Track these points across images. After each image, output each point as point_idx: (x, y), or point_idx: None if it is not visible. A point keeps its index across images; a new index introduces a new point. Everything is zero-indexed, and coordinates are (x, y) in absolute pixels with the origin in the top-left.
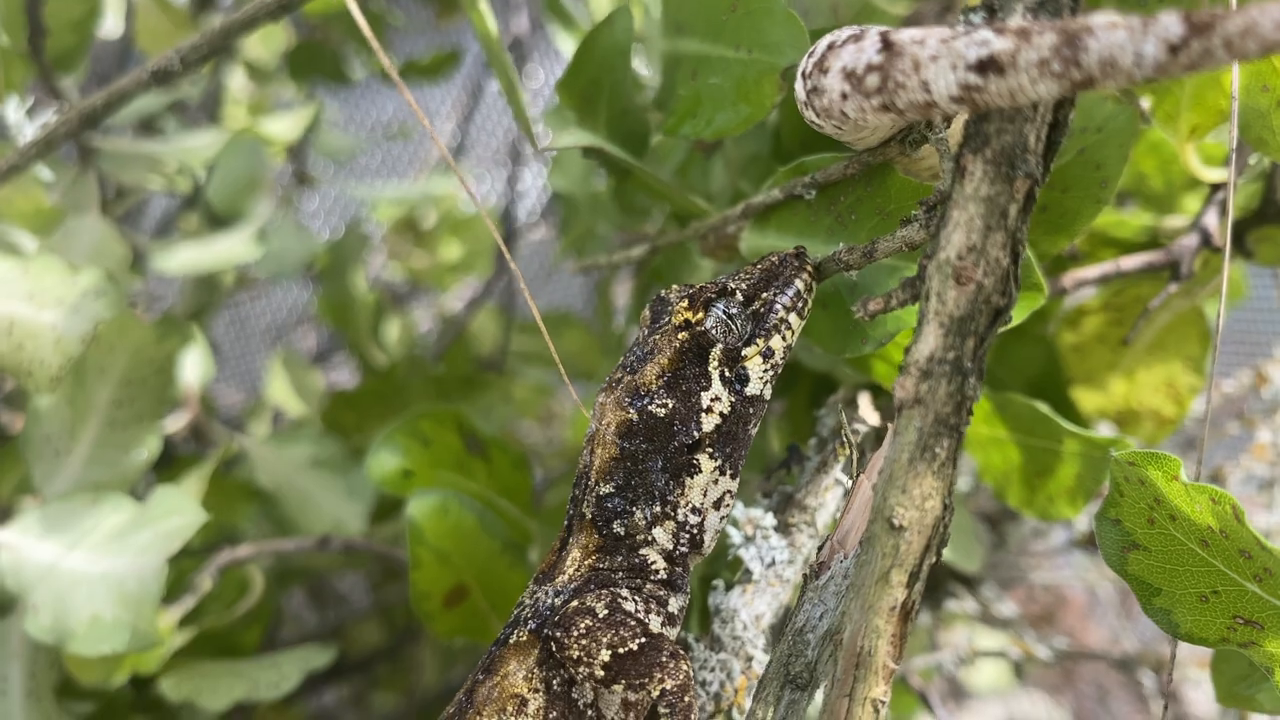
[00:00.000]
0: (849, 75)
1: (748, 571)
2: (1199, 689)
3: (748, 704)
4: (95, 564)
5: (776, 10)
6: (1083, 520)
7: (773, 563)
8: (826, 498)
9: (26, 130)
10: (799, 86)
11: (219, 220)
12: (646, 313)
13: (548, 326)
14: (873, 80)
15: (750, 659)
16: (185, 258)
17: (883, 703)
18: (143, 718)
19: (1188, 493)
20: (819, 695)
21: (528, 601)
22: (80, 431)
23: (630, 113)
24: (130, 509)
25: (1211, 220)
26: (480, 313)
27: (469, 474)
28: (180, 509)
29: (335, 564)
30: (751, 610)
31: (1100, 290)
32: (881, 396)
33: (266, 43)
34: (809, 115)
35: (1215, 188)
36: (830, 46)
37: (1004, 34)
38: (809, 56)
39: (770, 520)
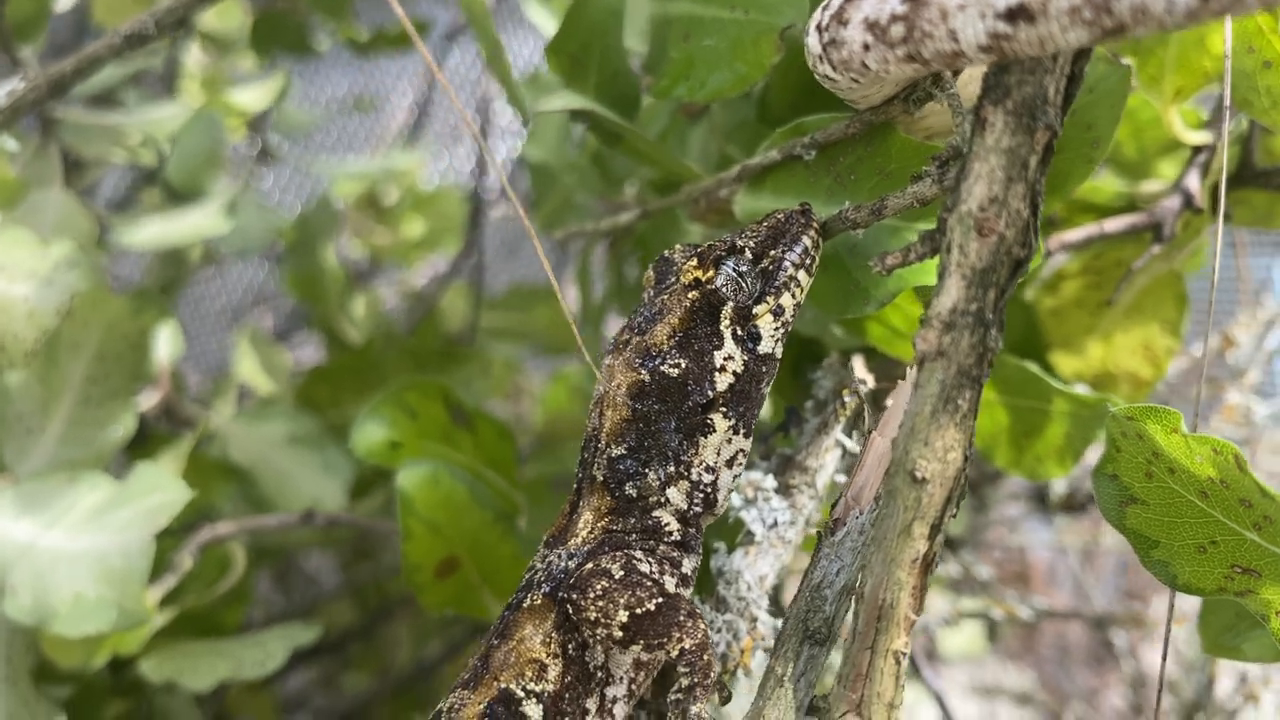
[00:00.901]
0: (872, 26)
1: (749, 533)
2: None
3: (754, 664)
4: (75, 542)
5: None
6: (1060, 484)
7: (774, 524)
8: (827, 459)
9: None
10: (813, 40)
11: (179, 195)
12: (651, 273)
13: (519, 302)
14: (898, 30)
15: (755, 619)
16: (152, 232)
17: (904, 654)
18: (122, 701)
19: (1188, 445)
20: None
21: (539, 565)
22: (53, 408)
23: (621, 75)
24: (108, 487)
25: (1193, 182)
26: (447, 290)
27: (455, 445)
28: (162, 486)
29: (307, 542)
30: (755, 571)
31: (1078, 255)
32: (875, 359)
33: (222, 16)
34: (823, 70)
35: (1196, 150)
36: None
37: None
38: (824, 9)
39: (771, 482)
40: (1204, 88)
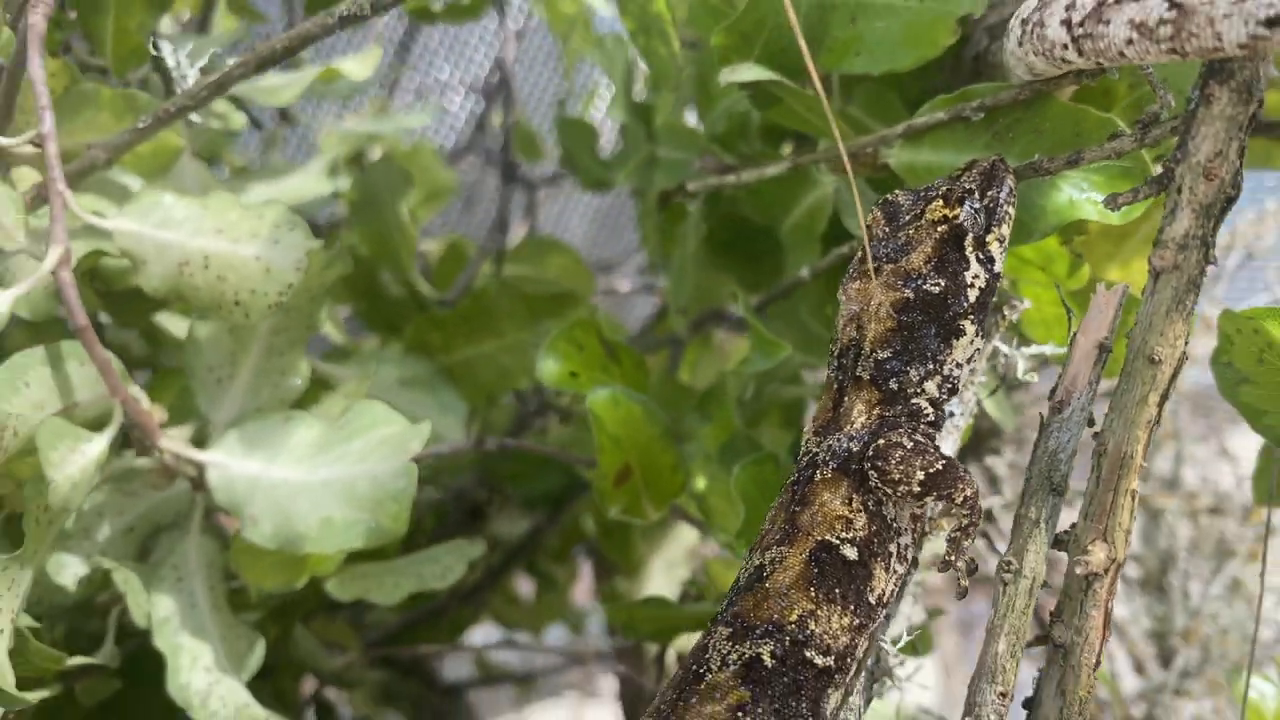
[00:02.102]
0: (1138, 26)
1: None
2: None
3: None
4: (313, 475)
5: None
6: None
7: (951, 414)
8: (983, 365)
9: (188, 72)
10: (1057, 33)
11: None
12: (879, 213)
13: (535, 252)
14: (1165, 31)
15: None
16: (262, 193)
17: (1135, 492)
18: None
19: None
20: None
21: (816, 450)
22: (242, 359)
23: (788, 50)
24: (321, 426)
25: None
26: (446, 245)
27: (611, 374)
28: (385, 420)
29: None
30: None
31: None
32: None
33: None
34: (1061, 54)
35: None
36: (1104, 3)
37: None
38: (1067, 8)
39: None
40: None
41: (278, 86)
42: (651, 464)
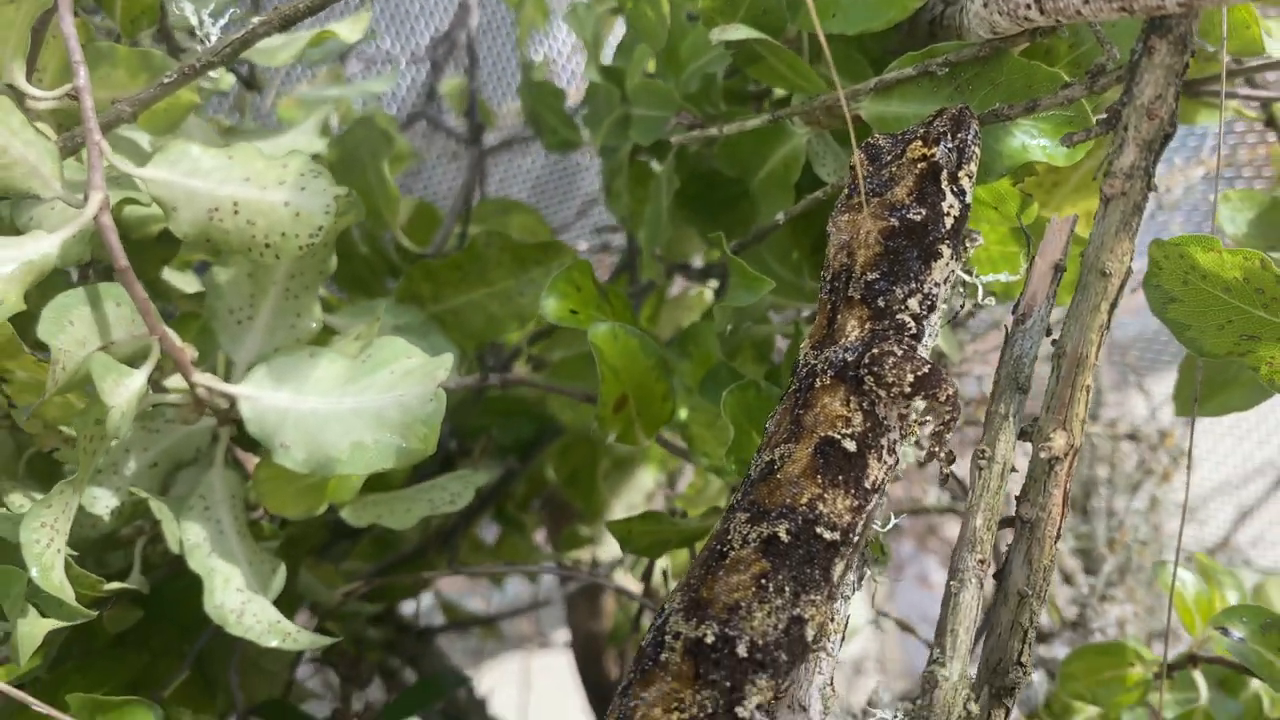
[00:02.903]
0: None
1: None
2: None
3: None
4: (342, 403)
5: None
6: None
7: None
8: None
9: (211, 30)
10: None
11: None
12: (862, 156)
13: (497, 211)
14: None
15: None
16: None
17: (1090, 387)
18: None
19: (1222, 258)
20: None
21: (814, 362)
22: (261, 301)
23: (770, 12)
24: (344, 362)
25: None
26: (412, 207)
27: (605, 312)
28: (405, 353)
29: None
30: None
31: None
32: None
33: None
34: (1025, 13)
35: None
36: None
37: None
38: None
39: None
40: None
41: (275, 47)
42: (645, 393)
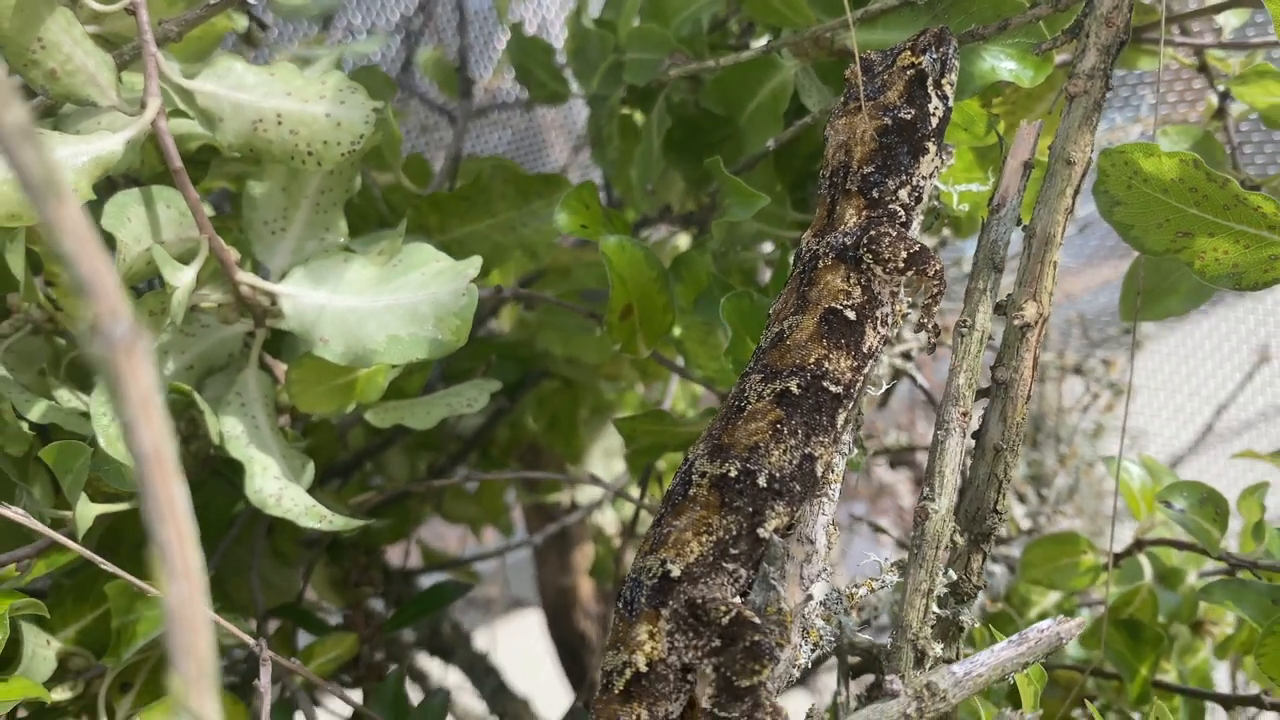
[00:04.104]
0: None
1: None
2: None
3: None
4: (377, 299)
5: None
6: None
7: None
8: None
9: None
10: None
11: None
12: (858, 69)
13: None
14: None
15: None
16: None
17: (1056, 263)
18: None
19: (1161, 161)
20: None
21: (816, 247)
22: (293, 214)
23: None
24: (376, 265)
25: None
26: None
27: (610, 228)
28: (434, 258)
29: None
30: None
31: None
32: None
33: None
34: None
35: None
36: None
37: None
38: None
39: None
40: None
41: None
42: (649, 303)
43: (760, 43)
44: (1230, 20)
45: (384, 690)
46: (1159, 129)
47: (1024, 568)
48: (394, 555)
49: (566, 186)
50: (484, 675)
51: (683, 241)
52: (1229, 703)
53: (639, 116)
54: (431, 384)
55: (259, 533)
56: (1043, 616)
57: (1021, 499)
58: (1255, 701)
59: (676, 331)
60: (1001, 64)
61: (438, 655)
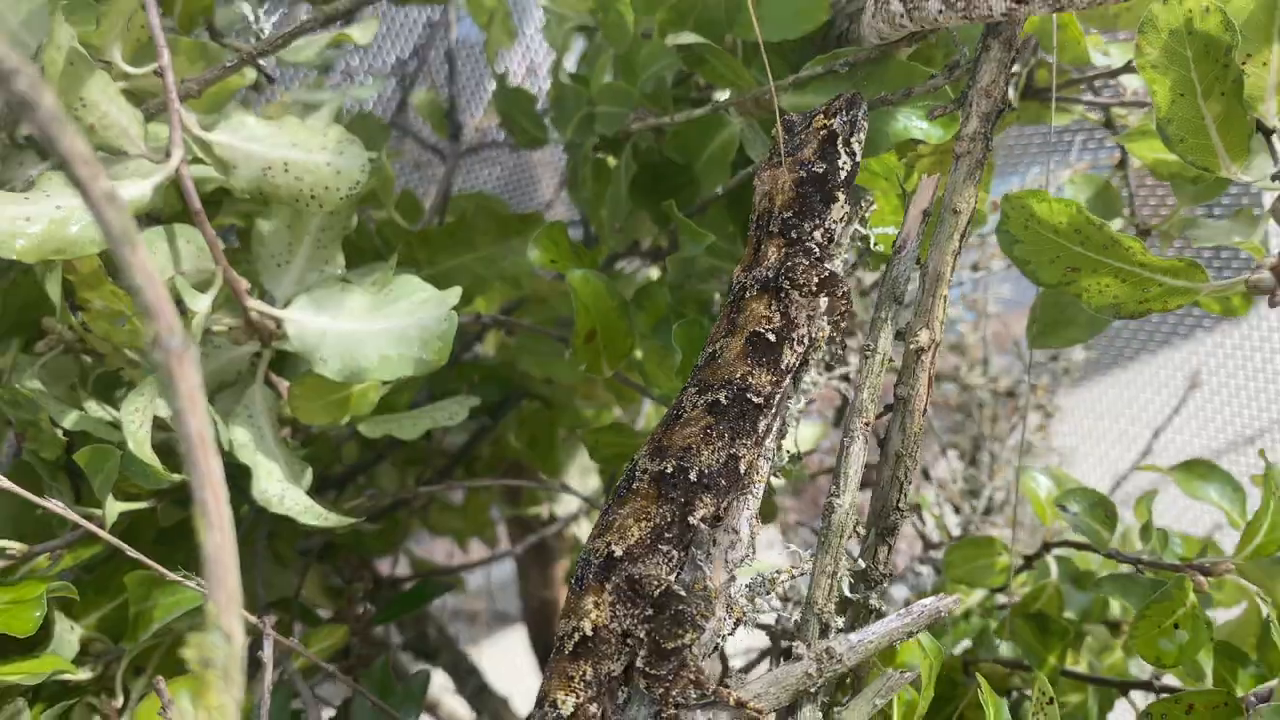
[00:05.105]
0: (945, 1)
1: None
2: None
3: None
4: (370, 325)
5: None
6: None
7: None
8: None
9: (264, 25)
10: (896, 6)
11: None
12: (780, 129)
13: (464, 205)
14: (960, 4)
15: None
16: None
17: (948, 296)
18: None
19: (1052, 206)
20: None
21: (744, 280)
22: (297, 248)
23: (712, 24)
24: (370, 295)
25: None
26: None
27: (577, 263)
28: (419, 290)
29: None
30: None
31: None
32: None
33: None
34: (901, 21)
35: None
36: None
37: None
38: None
39: None
40: None
41: (300, 46)
42: (610, 328)
43: (721, 96)
44: (1133, 82)
45: (372, 674)
46: (1070, 178)
47: (948, 566)
48: (384, 568)
49: (541, 224)
50: (466, 676)
51: (654, 273)
52: (1124, 687)
53: (612, 160)
54: (419, 402)
55: (260, 536)
56: (967, 614)
57: (957, 509)
58: (1147, 685)
59: (638, 354)
60: (913, 123)
61: (423, 657)
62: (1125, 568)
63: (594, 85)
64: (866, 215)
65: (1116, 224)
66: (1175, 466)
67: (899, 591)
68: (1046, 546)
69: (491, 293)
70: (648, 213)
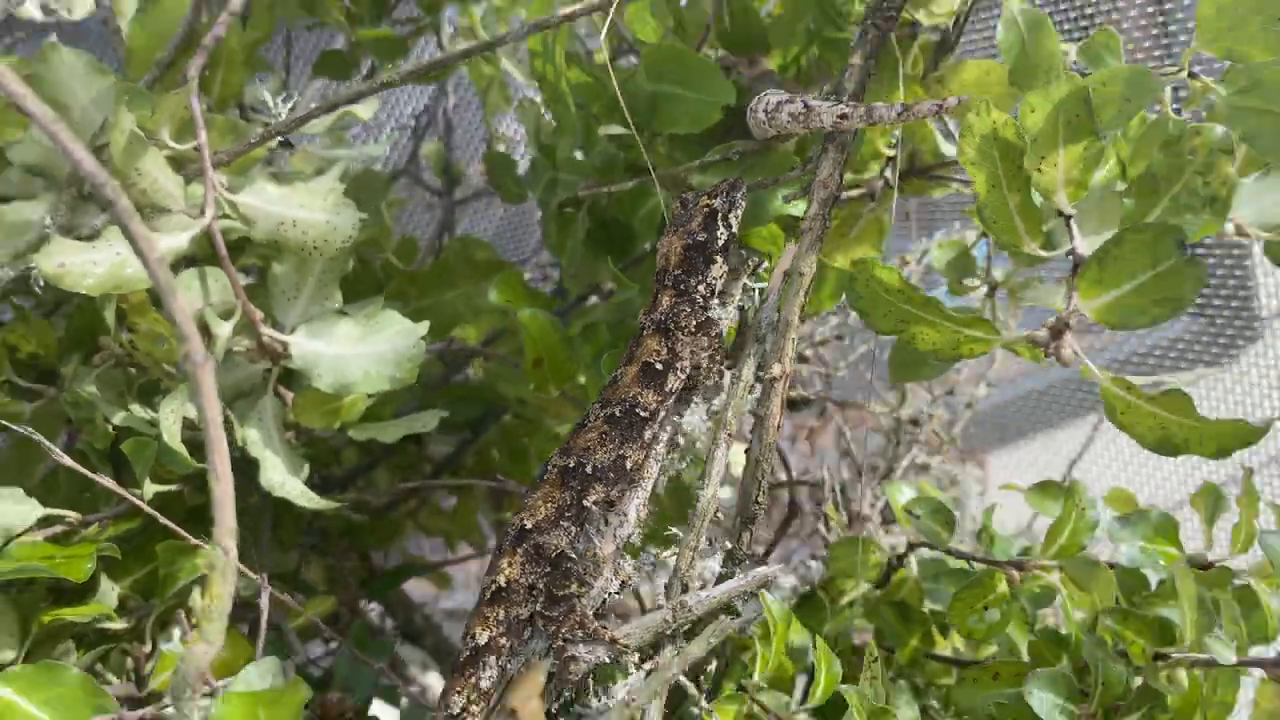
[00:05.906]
0: (792, 115)
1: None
2: None
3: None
4: (356, 349)
5: (717, 76)
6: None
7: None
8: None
9: (281, 109)
10: (761, 115)
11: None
12: (677, 205)
13: (464, 246)
14: (802, 118)
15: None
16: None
17: (794, 339)
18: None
19: (885, 273)
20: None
21: (645, 322)
22: (303, 286)
23: (638, 113)
24: (358, 326)
25: (889, 173)
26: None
27: (530, 303)
28: (396, 323)
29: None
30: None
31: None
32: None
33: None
34: (766, 126)
35: (890, 158)
36: (780, 104)
37: (849, 108)
38: (763, 107)
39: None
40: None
41: (314, 121)
42: (554, 356)
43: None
44: None
45: (352, 631)
46: (939, 243)
47: (831, 562)
48: (379, 562)
49: (507, 269)
50: (447, 657)
51: None
52: (962, 665)
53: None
54: (407, 415)
55: (265, 522)
56: (851, 604)
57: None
58: (978, 663)
59: (582, 380)
60: (787, 202)
61: (409, 640)
62: (959, 563)
63: (560, 155)
64: (760, 272)
65: (974, 281)
66: (1030, 488)
67: (788, 581)
68: (911, 547)
69: (480, 323)
70: (600, 261)
